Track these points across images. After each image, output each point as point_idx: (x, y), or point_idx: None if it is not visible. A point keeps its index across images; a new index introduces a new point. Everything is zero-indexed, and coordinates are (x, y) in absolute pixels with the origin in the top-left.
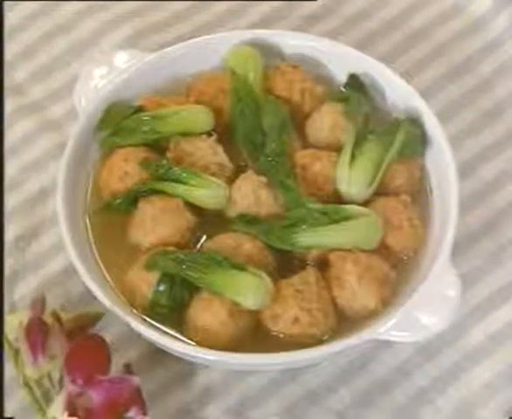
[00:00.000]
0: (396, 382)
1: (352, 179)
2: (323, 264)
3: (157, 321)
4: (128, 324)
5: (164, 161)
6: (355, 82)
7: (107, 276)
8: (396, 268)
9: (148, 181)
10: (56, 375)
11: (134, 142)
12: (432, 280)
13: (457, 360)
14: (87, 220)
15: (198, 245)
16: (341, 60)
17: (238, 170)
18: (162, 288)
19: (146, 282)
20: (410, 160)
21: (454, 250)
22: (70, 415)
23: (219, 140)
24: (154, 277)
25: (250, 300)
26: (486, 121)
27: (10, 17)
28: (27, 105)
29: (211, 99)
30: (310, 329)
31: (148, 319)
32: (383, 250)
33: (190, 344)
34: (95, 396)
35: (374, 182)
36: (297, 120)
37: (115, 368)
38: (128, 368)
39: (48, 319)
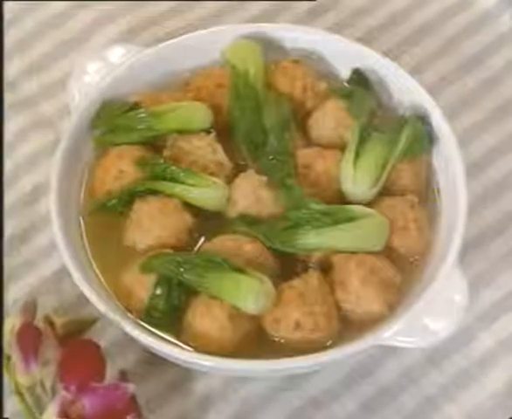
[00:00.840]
0: (402, 389)
1: (356, 178)
2: (326, 267)
3: (154, 326)
4: (124, 329)
5: (161, 160)
6: (359, 78)
7: (102, 279)
8: (401, 271)
9: (144, 180)
10: (49, 382)
11: (130, 140)
12: (440, 284)
13: (465, 366)
14: (81, 221)
15: (196, 247)
16: (344, 55)
17: (238, 169)
18: (158, 292)
19: (142, 285)
20: (416, 158)
21: (462, 253)
22: None
23: (218, 138)
24: (150, 280)
25: (250, 304)
26: (495, 118)
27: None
28: (19, 101)
29: (210, 95)
30: (313, 334)
31: (144, 323)
32: (388, 252)
33: (187, 350)
34: (89, 404)
35: (379, 181)
36: (299, 117)
37: (110, 375)
38: (123, 375)
39: (40, 323)
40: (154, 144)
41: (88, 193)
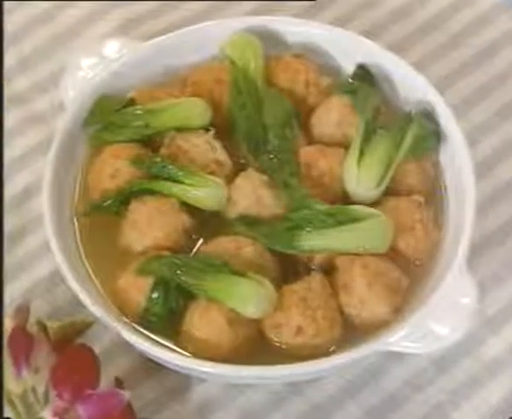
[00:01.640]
0: (408, 397)
1: (360, 178)
2: (329, 270)
3: (150, 331)
4: (119, 334)
5: (158, 159)
6: (363, 73)
7: (97, 282)
8: (407, 273)
9: (140, 180)
10: (41, 390)
11: (126, 138)
12: (447, 287)
13: (474, 372)
14: (75, 221)
15: (195, 249)
16: (348, 49)
17: (238, 168)
18: (155, 295)
19: (138, 288)
20: (423, 157)
21: (471, 255)
22: None
23: (218, 136)
24: (147, 283)
25: (250, 308)
26: (504, 115)
27: None
28: (10, 97)
29: (209, 91)
30: (315, 339)
31: (140, 328)
32: (393, 254)
33: (185, 355)
34: (83, 412)
35: (384, 180)
36: (301, 113)
37: (105, 382)
38: (118, 382)
39: (33, 328)
40: (150, 142)
41: (83, 193)
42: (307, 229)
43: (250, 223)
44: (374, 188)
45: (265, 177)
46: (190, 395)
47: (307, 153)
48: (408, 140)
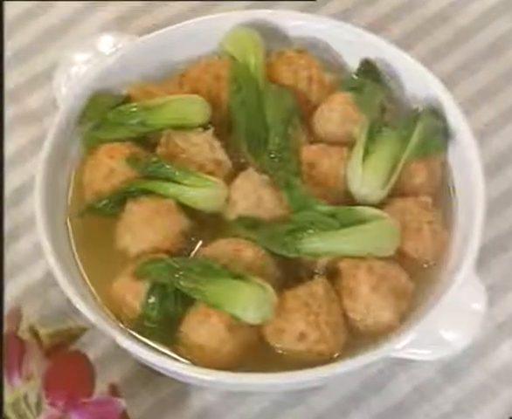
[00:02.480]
0: (414, 406)
1: (365, 178)
2: (333, 274)
3: (147, 337)
4: (114, 340)
5: (155, 158)
6: (368, 69)
7: (91, 286)
8: (414, 278)
9: (136, 180)
10: (33, 398)
11: (121, 136)
12: (455, 292)
13: (483, 380)
14: (69, 223)
15: (193, 252)
16: (353, 44)
17: (238, 168)
18: (152, 300)
19: (134, 293)
20: (430, 156)
21: (480, 258)
22: None
23: (217, 135)
24: (143, 287)
25: (251, 314)
26: None
27: None
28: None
29: (208, 87)
30: (318, 346)
31: (136, 334)
32: (400, 257)
33: (183, 362)
34: None
35: (390, 181)
36: (304, 111)
37: (99, 390)
38: (113, 390)
39: (24, 334)
40: (147, 141)
41: (76, 193)
42: (310, 231)
43: (250, 224)
44: (379, 188)
45: (265, 177)
46: (188, 404)
47: (309, 152)
48: (415, 138)
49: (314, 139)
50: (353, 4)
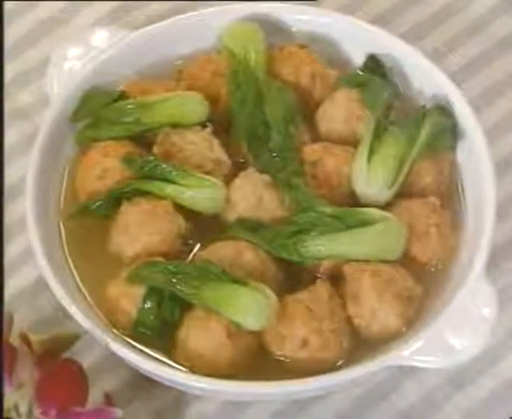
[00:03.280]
0: (421, 416)
1: (371, 178)
2: (337, 278)
3: (142, 344)
4: (109, 347)
5: (151, 157)
6: (374, 64)
7: (85, 291)
8: (422, 282)
9: (131, 180)
10: (24, 408)
11: (116, 135)
12: (464, 296)
13: (493, 389)
14: (61, 225)
15: (191, 255)
16: (358, 39)
17: (238, 168)
18: (148, 305)
19: (129, 298)
20: (438, 155)
21: (490, 261)
22: None
23: (215, 133)
24: (139, 292)
25: (251, 320)
26: None
27: None
28: None
29: (206, 84)
30: (321, 353)
31: (131, 341)
32: (406, 261)
33: (180, 370)
34: None
35: (396, 181)
36: (306, 108)
37: (93, 399)
38: (108, 399)
39: (15, 341)
40: (143, 139)
41: (69, 194)
42: (313, 233)
43: (250, 227)
44: (385, 188)
45: (266, 177)
46: (185, 414)
47: (312, 151)
48: (422, 137)
49: (317, 137)
50: None
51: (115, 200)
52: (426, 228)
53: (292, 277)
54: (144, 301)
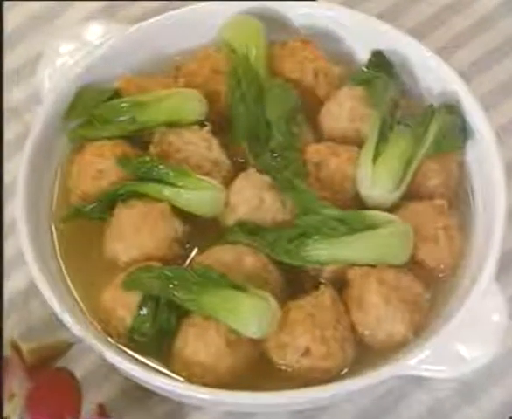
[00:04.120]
0: None
1: (376, 179)
2: (341, 283)
3: (138, 352)
4: (103, 356)
5: (147, 158)
6: (380, 61)
7: (78, 297)
8: (429, 288)
9: (127, 181)
10: None
11: (111, 134)
12: (474, 303)
13: (504, 400)
14: (53, 228)
15: (188, 260)
16: (363, 34)
17: (238, 168)
18: (144, 312)
19: (124, 305)
20: (446, 156)
21: (500, 266)
22: None
23: (214, 132)
24: (134, 298)
25: (252, 327)
26: None
27: None
28: None
29: (205, 81)
30: (324, 362)
31: (126, 349)
32: (414, 265)
33: (178, 380)
34: None
35: (403, 182)
36: (309, 107)
37: (87, 410)
38: (101, 409)
39: (6, 350)
40: (139, 139)
41: (62, 196)
42: (316, 237)
43: (251, 230)
44: (391, 190)
45: (267, 178)
46: None
47: (315, 151)
48: (430, 136)
49: (320, 137)
50: None
51: (110, 202)
52: (434, 231)
53: (294, 282)
54: (140, 308)
